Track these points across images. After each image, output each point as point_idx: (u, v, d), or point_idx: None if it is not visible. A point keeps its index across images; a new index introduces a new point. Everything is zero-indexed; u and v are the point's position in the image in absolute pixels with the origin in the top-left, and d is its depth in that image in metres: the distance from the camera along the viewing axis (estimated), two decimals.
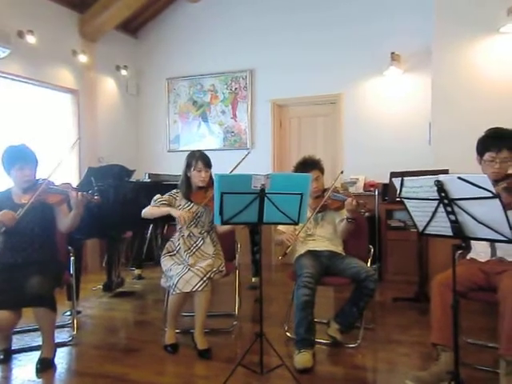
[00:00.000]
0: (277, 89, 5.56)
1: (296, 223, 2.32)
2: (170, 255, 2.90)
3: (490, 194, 1.61)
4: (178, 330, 2.92)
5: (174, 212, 2.77)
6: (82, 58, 5.27)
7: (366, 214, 4.24)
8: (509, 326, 2.08)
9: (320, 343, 2.78)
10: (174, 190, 2.95)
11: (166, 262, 2.87)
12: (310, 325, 2.59)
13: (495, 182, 2.28)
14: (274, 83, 5.58)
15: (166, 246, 2.97)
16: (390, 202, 4.39)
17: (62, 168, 2.60)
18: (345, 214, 2.82)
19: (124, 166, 4.19)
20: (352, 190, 4.70)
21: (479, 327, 2.95)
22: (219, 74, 5.85)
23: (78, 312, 3.45)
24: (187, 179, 2.90)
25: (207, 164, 2.87)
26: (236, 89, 5.80)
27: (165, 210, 2.79)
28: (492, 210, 1.63)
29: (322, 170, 3.01)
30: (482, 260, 2.45)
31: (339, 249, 2.98)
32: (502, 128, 2.44)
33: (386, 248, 4.63)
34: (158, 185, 4.16)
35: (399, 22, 4.93)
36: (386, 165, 4.37)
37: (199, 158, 2.86)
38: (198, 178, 2.85)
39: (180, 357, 2.71)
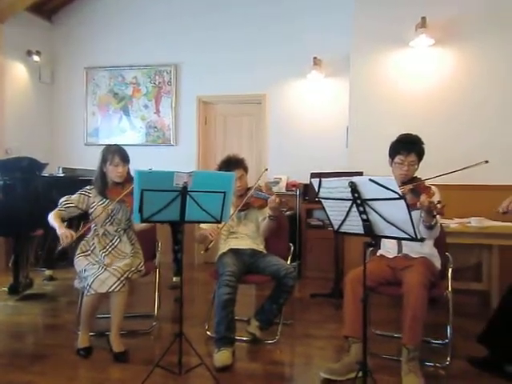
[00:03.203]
0: (202, 85, 5.51)
1: (219, 222, 2.32)
2: (85, 255, 2.75)
3: (397, 196, 1.73)
4: (92, 333, 2.77)
5: (58, 229, 2.53)
6: None
7: (288, 212, 4.39)
8: (410, 317, 2.26)
9: (240, 341, 2.80)
10: (88, 187, 2.80)
11: (79, 263, 2.71)
12: (230, 323, 2.60)
13: (403, 183, 2.47)
14: (199, 79, 5.52)
15: (80, 245, 2.81)
16: (310, 201, 4.57)
17: None
18: (267, 212, 2.87)
19: (34, 159, 3.89)
20: (275, 189, 4.81)
21: (387, 319, 3.16)
22: (142, 66, 5.66)
23: None
24: (103, 175, 2.76)
25: (124, 158, 2.75)
26: (160, 83, 5.64)
27: (55, 225, 2.56)
28: (398, 210, 1.76)
29: (245, 169, 3.04)
30: (390, 256, 2.64)
31: (261, 247, 3.03)
32: (412, 134, 2.65)
33: (306, 246, 4.80)
34: (73, 180, 3.93)
35: (322, 28, 5.11)
36: (308, 166, 4.55)
37: (116, 152, 2.73)
38: (114, 173, 2.72)
39: (94, 361, 2.58)
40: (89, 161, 4.82)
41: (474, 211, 3.58)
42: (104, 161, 2.74)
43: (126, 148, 2.84)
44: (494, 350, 2.31)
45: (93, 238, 2.78)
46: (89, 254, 2.75)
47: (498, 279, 3.67)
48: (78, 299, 2.88)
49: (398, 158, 2.58)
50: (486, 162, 2.43)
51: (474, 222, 3.39)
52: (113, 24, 5.75)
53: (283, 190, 5.06)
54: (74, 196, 2.75)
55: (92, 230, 2.81)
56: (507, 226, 3.28)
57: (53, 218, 2.63)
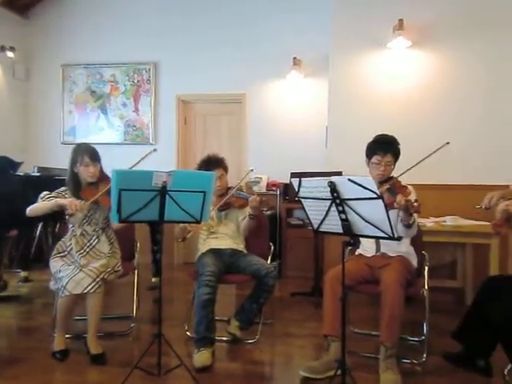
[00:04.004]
0: (182, 84, 5.47)
1: (198, 222, 2.30)
2: (61, 256, 2.70)
3: (375, 195, 1.76)
4: (69, 335, 2.73)
5: (63, 201, 2.56)
6: None
7: (268, 212, 4.40)
8: (388, 315, 2.29)
9: (220, 341, 2.79)
10: (62, 188, 2.73)
11: (55, 264, 2.65)
12: (210, 323, 2.59)
13: (380, 183, 2.51)
14: (179, 78, 5.48)
15: (57, 246, 2.75)
16: (290, 201, 4.59)
17: None
18: (248, 211, 2.87)
19: (8, 158, 3.80)
20: (255, 189, 4.81)
21: (366, 317, 3.20)
22: (120, 64, 5.57)
23: None
24: (75, 175, 2.71)
25: (94, 158, 2.69)
26: (139, 81, 5.58)
27: (52, 203, 2.57)
28: (376, 210, 1.79)
29: (225, 169, 3.04)
30: (368, 255, 2.67)
31: (241, 246, 3.03)
32: (388, 135, 2.70)
33: (286, 245, 4.82)
34: (49, 179, 3.84)
35: (301, 28, 5.14)
36: (288, 165, 4.57)
37: (85, 152, 2.67)
38: (86, 173, 2.67)
39: (70, 364, 2.53)
40: (65, 160, 4.70)
41: (450, 210, 3.66)
42: (74, 162, 2.69)
43: (103, 147, 2.82)
44: (467, 345, 2.36)
45: (70, 239, 2.72)
46: (65, 255, 2.70)
47: (472, 277, 3.77)
48: (54, 301, 2.82)
49: (374, 159, 2.61)
50: (447, 143, 2.49)
51: (449, 221, 3.47)
52: (90, 20, 5.65)
53: (264, 190, 5.07)
54: (53, 193, 2.69)
55: (69, 230, 2.75)
56: (481, 224, 3.37)
57: (41, 203, 2.60)
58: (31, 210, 2.60)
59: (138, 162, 2.66)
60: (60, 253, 2.71)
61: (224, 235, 3.00)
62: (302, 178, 1.99)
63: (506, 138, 4.00)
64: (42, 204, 2.61)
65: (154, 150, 2.62)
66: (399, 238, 1.89)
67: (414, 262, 2.67)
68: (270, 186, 5.10)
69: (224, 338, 2.85)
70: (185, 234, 2.70)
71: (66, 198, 2.69)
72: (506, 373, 2.25)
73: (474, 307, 2.34)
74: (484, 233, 3.32)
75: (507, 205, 1.98)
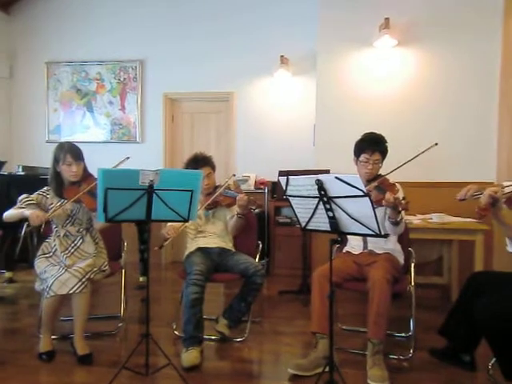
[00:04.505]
0: (169, 82, 5.43)
1: (186, 220, 2.29)
2: (46, 257, 2.66)
3: (362, 193, 1.77)
4: (55, 336, 2.70)
5: (26, 212, 2.48)
6: None
7: (256, 210, 4.40)
8: (375, 312, 2.32)
9: (208, 340, 2.79)
10: (45, 188, 2.70)
11: (40, 264, 2.62)
12: (198, 322, 2.59)
13: (368, 181, 2.53)
14: (165, 76, 5.44)
15: (42, 247, 2.72)
16: (278, 199, 4.61)
17: None
18: (235, 210, 2.86)
19: None
20: (243, 187, 4.80)
21: (353, 314, 3.22)
22: (106, 61, 5.51)
23: None
24: (57, 174, 2.66)
25: (77, 156, 2.64)
26: (125, 79, 5.52)
27: (19, 213, 2.52)
28: (363, 207, 1.80)
29: (213, 167, 3.03)
30: (356, 253, 2.69)
31: (229, 245, 3.03)
32: (376, 133, 2.72)
33: (274, 243, 4.83)
34: (34, 179, 3.79)
35: (289, 27, 5.13)
36: (276, 163, 4.58)
37: (68, 151, 2.62)
38: (68, 172, 2.63)
39: (57, 365, 2.50)
40: (51, 159, 4.69)
41: (436, 208, 3.71)
42: (56, 161, 2.65)
43: (89, 145, 2.78)
44: (453, 341, 2.40)
45: (54, 240, 2.69)
46: (50, 256, 2.67)
47: (458, 273, 3.82)
48: (39, 302, 2.78)
49: (362, 157, 2.63)
50: (436, 144, 2.52)
51: (436, 218, 3.52)
52: (75, 17, 5.57)
53: (252, 188, 5.06)
54: (33, 195, 2.66)
55: (53, 231, 2.72)
56: (466, 221, 3.42)
57: (14, 210, 2.55)
58: (5, 216, 2.57)
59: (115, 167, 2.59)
60: (45, 254, 2.68)
61: (212, 234, 2.99)
62: (290, 177, 2.00)
63: (493, 136, 4.05)
64: (13, 211, 2.56)
65: (127, 158, 2.55)
66: (386, 236, 1.91)
67: (401, 258, 2.69)
68: (258, 184, 5.10)
69: (212, 337, 2.85)
70: (162, 242, 2.66)
71: (48, 198, 2.67)
72: (489, 367, 2.29)
73: (458, 303, 2.37)
74: (469, 229, 3.37)
75: (494, 191, 2.02)
